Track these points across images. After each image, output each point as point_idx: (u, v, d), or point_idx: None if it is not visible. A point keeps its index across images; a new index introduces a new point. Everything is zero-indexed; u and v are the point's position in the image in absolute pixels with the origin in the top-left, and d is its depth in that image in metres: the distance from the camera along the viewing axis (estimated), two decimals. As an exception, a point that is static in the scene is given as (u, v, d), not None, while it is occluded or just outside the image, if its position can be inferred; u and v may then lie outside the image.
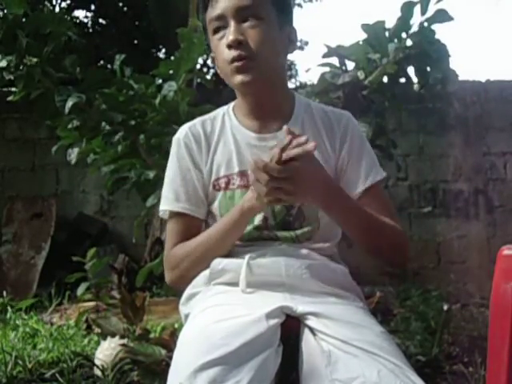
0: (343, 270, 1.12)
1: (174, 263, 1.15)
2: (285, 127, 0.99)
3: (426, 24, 2.10)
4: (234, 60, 1.08)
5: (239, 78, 1.09)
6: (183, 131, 1.19)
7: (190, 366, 0.86)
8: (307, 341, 0.96)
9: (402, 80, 2.24)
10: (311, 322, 0.97)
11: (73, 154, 2.18)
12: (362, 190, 1.15)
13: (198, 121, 1.21)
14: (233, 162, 1.14)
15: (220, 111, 1.23)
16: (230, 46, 1.08)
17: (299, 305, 0.99)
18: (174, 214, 1.16)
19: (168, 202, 1.16)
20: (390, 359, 0.89)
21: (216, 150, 1.16)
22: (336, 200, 1.06)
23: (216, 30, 1.11)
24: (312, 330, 0.97)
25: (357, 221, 1.08)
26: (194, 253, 1.12)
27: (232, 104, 1.23)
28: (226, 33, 1.09)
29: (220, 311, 0.97)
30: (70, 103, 1.96)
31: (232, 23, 1.08)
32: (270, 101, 1.16)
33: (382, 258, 1.15)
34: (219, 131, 1.18)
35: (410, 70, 2.22)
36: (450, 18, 2.08)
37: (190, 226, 1.15)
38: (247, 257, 1.06)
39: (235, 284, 1.05)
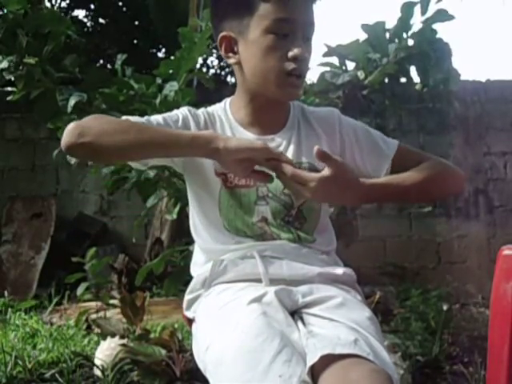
0: (348, 272, 1.13)
1: (92, 121, 1.00)
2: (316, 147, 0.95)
3: (427, 23, 2.09)
4: (292, 74, 1.05)
5: (290, 91, 1.08)
6: (192, 109, 1.16)
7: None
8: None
9: (403, 80, 2.24)
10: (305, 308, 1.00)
11: (72, 155, 2.17)
12: (388, 165, 1.13)
13: (199, 110, 1.18)
14: None
15: (217, 108, 1.19)
16: (295, 59, 1.04)
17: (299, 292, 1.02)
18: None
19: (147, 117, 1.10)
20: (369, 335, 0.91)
21: None
22: (372, 196, 1.04)
23: (275, 31, 1.03)
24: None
25: (399, 193, 1.07)
26: (125, 127, 1.01)
27: (227, 102, 1.20)
28: (284, 39, 1.04)
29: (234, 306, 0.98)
30: (72, 101, 1.96)
31: (300, 36, 1.05)
32: (276, 107, 1.16)
33: (441, 196, 1.13)
34: (220, 125, 1.16)
35: (412, 70, 2.22)
36: (451, 17, 2.07)
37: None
38: (256, 253, 1.06)
39: (235, 281, 1.06)
